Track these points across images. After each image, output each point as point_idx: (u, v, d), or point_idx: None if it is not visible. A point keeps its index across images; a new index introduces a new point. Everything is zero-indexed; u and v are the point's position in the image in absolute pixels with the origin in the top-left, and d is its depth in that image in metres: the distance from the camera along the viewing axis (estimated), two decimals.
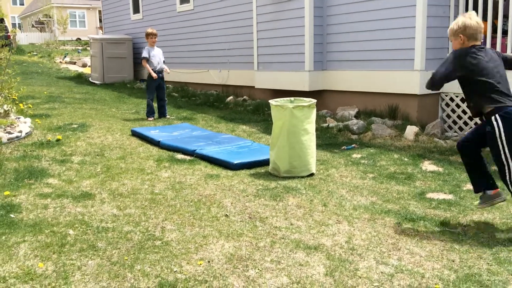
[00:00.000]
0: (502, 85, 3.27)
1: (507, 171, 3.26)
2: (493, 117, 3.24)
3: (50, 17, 40.66)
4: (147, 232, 3.34)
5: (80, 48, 28.52)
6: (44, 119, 7.37)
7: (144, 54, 7.96)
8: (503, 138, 3.22)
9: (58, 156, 5.32)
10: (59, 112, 8.16)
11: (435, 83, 3.45)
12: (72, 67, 19.38)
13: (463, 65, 3.29)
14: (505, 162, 3.25)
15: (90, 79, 14.66)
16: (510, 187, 3.32)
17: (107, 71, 13.97)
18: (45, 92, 10.90)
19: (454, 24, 3.40)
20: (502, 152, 3.24)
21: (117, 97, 10.82)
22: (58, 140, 5.92)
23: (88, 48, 21.01)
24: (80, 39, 36.93)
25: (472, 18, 3.35)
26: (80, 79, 15.09)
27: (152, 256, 2.96)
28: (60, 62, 21.30)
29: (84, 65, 19.62)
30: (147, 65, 7.97)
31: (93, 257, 2.94)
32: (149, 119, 7.98)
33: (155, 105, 8.20)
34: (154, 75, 7.92)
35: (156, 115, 8.16)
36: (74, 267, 2.80)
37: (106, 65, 13.94)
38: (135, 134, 6.55)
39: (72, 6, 40.54)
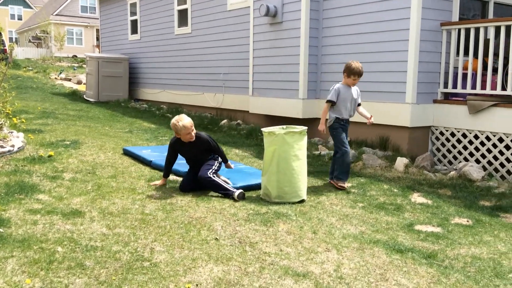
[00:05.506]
0: None
1: None
2: None
3: (47, 33, 40.91)
4: (136, 252, 3.33)
5: (75, 65, 28.64)
6: (37, 134, 7.36)
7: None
8: None
9: (50, 172, 5.31)
10: (52, 128, 8.16)
11: None
12: (67, 84, 19.43)
13: None
14: None
15: (84, 96, 14.70)
16: None
17: (102, 89, 14.02)
18: (39, 108, 10.91)
19: None
20: None
21: (111, 116, 10.84)
22: (50, 156, 5.92)
23: (84, 65, 21.12)
24: (76, 56, 37.07)
25: None
26: (74, 96, 15.12)
27: (140, 277, 2.95)
28: (55, 78, 21.35)
29: (79, 82, 19.69)
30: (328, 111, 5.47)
31: (81, 276, 2.92)
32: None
33: None
34: (322, 128, 5.39)
35: None
36: (61, 285, 2.78)
37: (102, 83, 14.00)
38: (127, 153, 6.56)
39: (70, 24, 40.83)
